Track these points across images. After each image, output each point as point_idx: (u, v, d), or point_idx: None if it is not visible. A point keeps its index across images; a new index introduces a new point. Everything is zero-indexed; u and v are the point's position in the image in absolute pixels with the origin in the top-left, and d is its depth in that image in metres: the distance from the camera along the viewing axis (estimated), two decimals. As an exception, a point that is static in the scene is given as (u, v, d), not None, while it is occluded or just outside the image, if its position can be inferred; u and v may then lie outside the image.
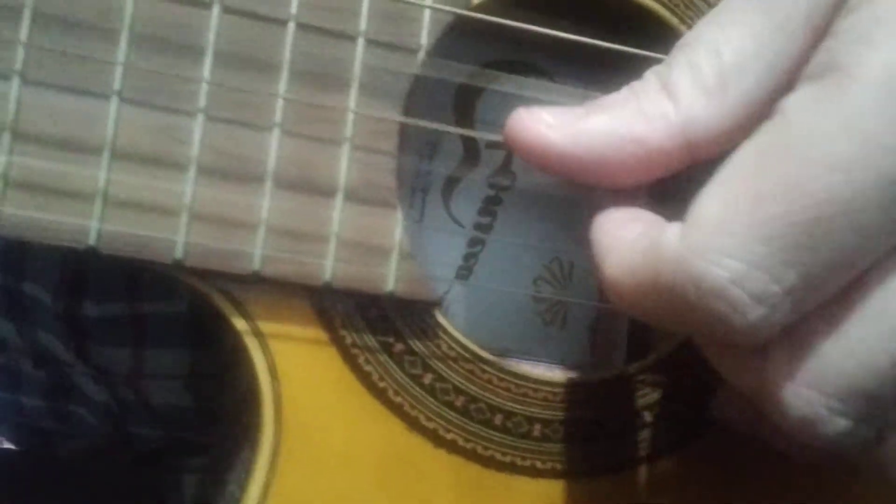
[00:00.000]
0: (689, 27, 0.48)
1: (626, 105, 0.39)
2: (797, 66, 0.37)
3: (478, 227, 0.56)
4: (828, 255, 0.33)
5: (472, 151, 0.56)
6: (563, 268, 0.57)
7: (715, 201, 0.34)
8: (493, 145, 0.56)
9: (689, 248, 0.34)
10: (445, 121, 0.54)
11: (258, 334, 0.42)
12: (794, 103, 0.34)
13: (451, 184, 0.56)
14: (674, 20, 0.48)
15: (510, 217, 0.56)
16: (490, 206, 0.57)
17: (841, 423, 0.34)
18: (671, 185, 0.42)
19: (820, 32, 0.36)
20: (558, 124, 0.39)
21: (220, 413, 0.52)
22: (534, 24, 0.45)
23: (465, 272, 0.56)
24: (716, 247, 0.33)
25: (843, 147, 0.32)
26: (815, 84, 0.34)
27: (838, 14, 0.35)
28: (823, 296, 0.34)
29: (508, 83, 0.51)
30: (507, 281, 0.56)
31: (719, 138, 0.38)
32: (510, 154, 0.57)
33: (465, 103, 0.54)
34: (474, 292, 0.56)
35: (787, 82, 0.37)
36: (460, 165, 0.55)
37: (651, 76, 0.39)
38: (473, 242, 0.56)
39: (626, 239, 0.38)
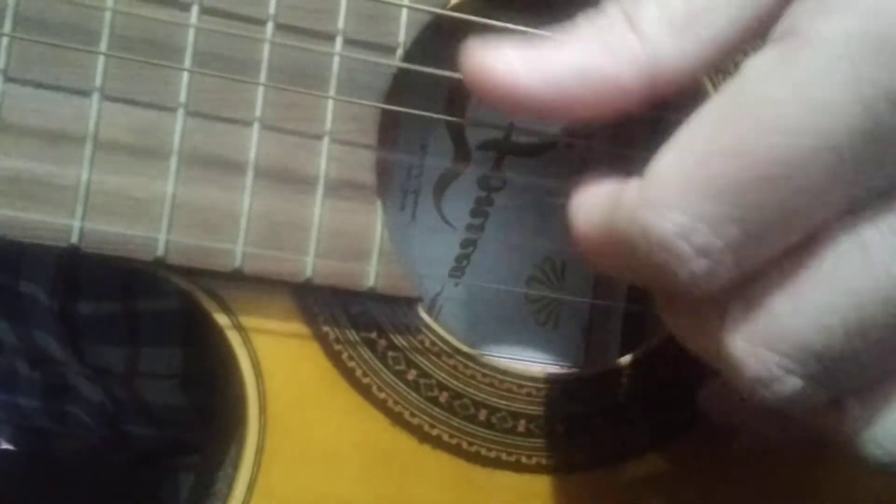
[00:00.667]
0: None
1: (590, 39, 0.38)
2: (768, 18, 0.37)
3: (469, 227, 0.56)
4: (771, 214, 0.33)
5: (462, 152, 0.57)
6: (555, 268, 0.58)
7: (669, 156, 0.34)
8: (484, 146, 0.56)
9: (641, 200, 0.34)
10: (435, 121, 0.54)
11: (241, 331, 0.42)
12: (753, 64, 0.34)
13: (442, 185, 0.56)
14: None
15: (502, 217, 0.56)
16: (482, 206, 0.57)
17: (793, 382, 0.35)
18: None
19: None
20: (523, 61, 0.38)
21: (211, 411, 0.53)
22: (513, 23, 0.45)
23: (457, 273, 0.56)
24: (665, 200, 0.33)
25: (791, 111, 0.32)
26: (775, 47, 0.34)
27: None
28: (767, 254, 0.34)
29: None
30: (500, 281, 0.57)
31: (683, 78, 0.38)
32: (501, 155, 0.57)
33: (455, 102, 0.55)
34: (467, 293, 0.56)
35: (756, 32, 0.37)
36: (451, 166, 0.56)
37: (615, 10, 0.38)
38: (465, 243, 0.56)
39: (594, 195, 0.38)
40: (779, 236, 0.34)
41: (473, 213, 0.57)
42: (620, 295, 0.58)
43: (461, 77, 0.39)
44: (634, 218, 0.34)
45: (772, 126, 0.32)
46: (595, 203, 0.38)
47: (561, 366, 0.56)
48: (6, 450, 0.81)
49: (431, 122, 0.54)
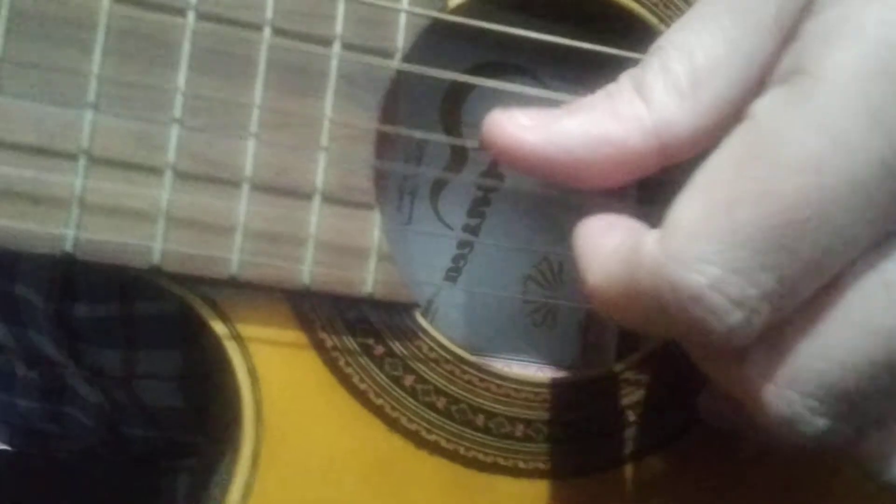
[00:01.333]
0: (669, 26, 0.48)
1: (600, 107, 0.39)
2: (769, 67, 0.37)
3: (466, 228, 0.56)
4: (804, 257, 0.33)
5: (459, 153, 0.56)
6: (552, 268, 0.57)
7: (690, 206, 0.34)
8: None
9: (666, 255, 0.34)
10: (432, 125, 0.54)
11: (237, 338, 0.42)
12: (763, 107, 0.34)
13: (438, 186, 0.56)
14: (653, 20, 0.48)
15: (499, 219, 0.56)
16: (478, 207, 0.57)
17: (821, 423, 0.35)
18: (657, 188, 0.42)
19: (790, 34, 0.36)
20: (533, 126, 0.39)
21: (206, 417, 0.53)
22: (513, 26, 0.45)
23: (454, 274, 0.56)
24: (692, 252, 0.33)
25: (813, 148, 0.32)
26: (783, 87, 0.34)
27: (805, 16, 0.35)
28: (801, 298, 0.34)
29: (494, 86, 0.51)
30: (497, 282, 0.56)
31: (692, 140, 0.38)
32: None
33: (451, 106, 0.55)
34: (464, 294, 0.56)
35: (759, 83, 0.37)
36: (448, 167, 0.56)
37: (625, 78, 0.40)
38: (462, 244, 0.56)
39: (606, 247, 0.38)
40: (813, 279, 0.34)
41: (470, 215, 0.57)
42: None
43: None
44: (661, 274, 0.34)
45: (795, 166, 0.32)
46: (608, 257, 0.38)
47: (557, 367, 0.56)
48: (4, 451, 0.81)
49: (428, 124, 0.53)
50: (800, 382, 0.34)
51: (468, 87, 0.54)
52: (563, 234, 0.55)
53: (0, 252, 0.62)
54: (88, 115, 0.39)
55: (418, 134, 0.44)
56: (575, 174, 0.39)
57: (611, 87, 0.40)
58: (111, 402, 0.69)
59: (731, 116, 0.38)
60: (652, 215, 0.39)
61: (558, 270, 0.58)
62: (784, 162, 0.33)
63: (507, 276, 0.57)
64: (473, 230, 0.56)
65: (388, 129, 0.43)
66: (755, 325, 0.34)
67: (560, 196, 0.56)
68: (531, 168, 0.40)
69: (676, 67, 0.38)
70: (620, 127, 0.38)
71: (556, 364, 0.56)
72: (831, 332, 0.34)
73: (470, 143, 0.47)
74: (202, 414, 0.66)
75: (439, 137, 0.51)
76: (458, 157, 0.56)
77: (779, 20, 0.37)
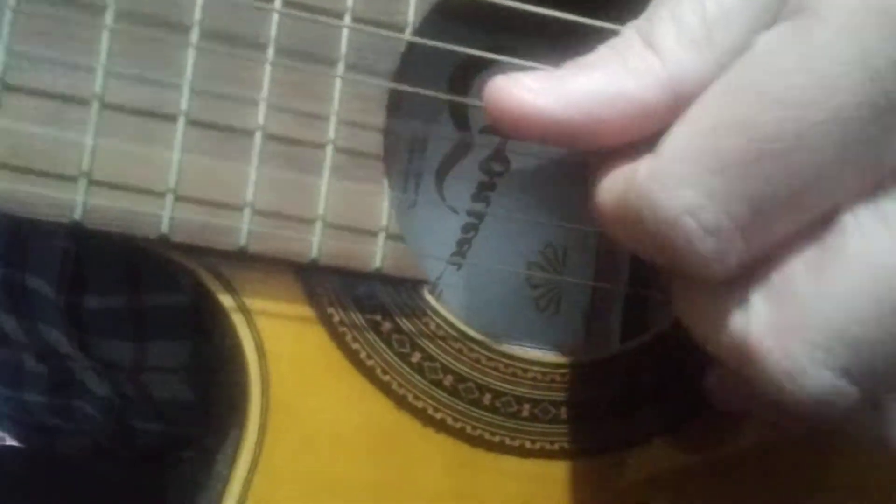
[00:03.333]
0: None
1: (609, 62, 0.38)
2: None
3: (471, 212, 0.56)
4: (780, 190, 0.33)
5: (465, 137, 0.56)
6: (556, 253, 0.57)
7: (679, 132, 0.34)
8: (486, 130, 0.56)
9: (651, 176, 0.34)
10: (439, 104, 0.54)
11: (245, 311, 0.42)
12: (763, 40, 0.34)
13: (444, 169, 0.56)
14: None
15: (504, 202, 0.56)
16: (484, 191, 0.57)
17: (825, 376, 0.33)
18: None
19: None
20: (543, 88, 0.38)
21: (211, 395, 0.52)
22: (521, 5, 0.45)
23: (458, 258, 0.56)
24: (672, 175, 0.33)
25: (798, 82, 0.32)
26: (786, 22, 0.34)
27: None
28: (779, 233, 0.34)
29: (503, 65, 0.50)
30: (501, 266, 0.56)
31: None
32: (504, 139, 0.57)
33: (457, 89, 0.54)
34: (468, 278, 0.55)
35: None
36: (454, 151, 0.55)
37: (632, 32, 0.38)
38: (467, 228, 0.56)
39: (613, 167, 0.38)
40: (790, 214, 0.33)
41: (475, 198, 0.56)
42: (622, 281, 0.58)
43: (482, 104, 0.39)
44: (643, 193, 0.34)
45: (778, 98, 0.32)
46: (614, 176, 0.37)
47: (562, 351, 0.55)
48: (13, 446, 0.81)
49: (434, 106, 0.53)
50: (800, 328, 0.33)
51: (475, 70, 0.54)
52: (567, 220, 0.55)
53: (10, 242, 0.62)
54: (99, 80, 0.39)
55: (429, 92, 0.43)
56: (593, 134, 0.38)
57: (616, 42, 0.38)
58: (120, 395, 0.68)
59: None
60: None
61: (563, 255, 0.58)
62: (769, 93, 0.32)
63: (511, 260, 0.57)
64: (478, 214, 0.56)
65: (402, 86, 0.42)
66: (728, 255, 0.34)
67: (566, 180, 0.56)
68: (546, 134, 0.38)
69: (689, 17, 0.37)
70: (636, 82, 0.37)
71: (560, 348, 0.56)
72: (831, 273, 0.33)
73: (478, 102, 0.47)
74: (208, 396, 0.66)
75: (450, 97, 0.50)
76: (465, 141, 0.56)
77: None
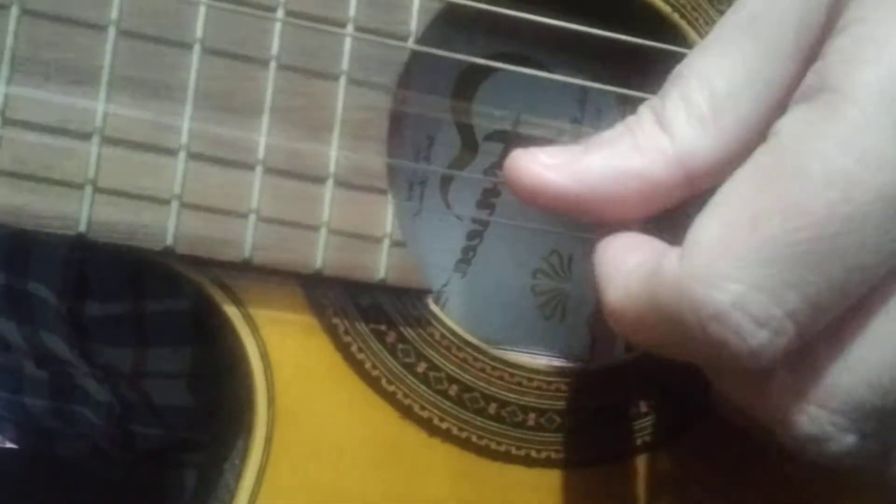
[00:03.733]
0: (687, 21, 0.48)
1: (621, 141, 0.39)
2: (790, 89, 0.37)
3: (476, 219, 0.56)
4: (831, 275, 0.32)
5: (469, 144, 0.56)
6: (561, 260, 0.57)
7: (712, 224, 0.34)
8: (490, 137, 0.56)
9: (687, 273, 0.33)
10: (442, 115, 0.54)
11: (250, 322, 0.42)
12: (787, 125, 0.34)
13: (449, 177, 0.56)
14: (675, 16, 0.48)
15: (509, 210, 0.56)
16: (488, 198, 0.57)
17: (848, 440, 0.34)
18: (674, 211, 0.42)
19: (810, 55, 0.36)
20: (556, 164, 0.39)
21: (217, 405, 0.52)
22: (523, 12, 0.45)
23: (463, 265, 0.56)
24: (715, 270, 0.33)
25: (841, 164, 0.32)
26: (808, 104, 0.34)
27: (828, 35, 0.35)
28: (827, 317, 0.33)
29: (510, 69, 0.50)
30: (506, 274, 0.56)
31: (717, 168, 0.38)
32: (508, 146, 0.57)
33: (461, 96, 0.54)
34: (473, 285, 0.55)
35: (781, 106, 0.37)
36: (458, 158, 0.55)
37: (645, 110, 0.39)
38: (472, 235, 0.56)
39: (627, 265, 0.38)
40: (840, 297, 0.33)
41: (480, 205, 0.56)
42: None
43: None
44: (681, 293, 0.33)
45: (822, 180, 0.32)
46: (628, 275, 0.37)
47: (567, 358, 0.55)
48: (11, 449, 0.81)
49: (438, 114, 0.53)
50: (826, 399, 0.34)
51: (479, 77, 0.54)
52: (572, 227, 0.55)
53: (14, 243, 0.62)
54: (102, 94, 0.39)
55: (433, 105, 0.43)
56: (602, 210, 0.39)
57: (631, 121, 0.40)
58: (121, 400, 0.68)
59: (754, 141, 0.37)
60: (667, 239, 0.39)
61: (568, 262, 0.58)
62: (811, 177, 0.32)
63: (516, 267, 0.57)
64: (483, 221, 0.56)
65: (404, 92, 0.42)
66: (780, 345, 0.33)
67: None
68: (557, 207, 0.40)
69: (696, 96, 0.38)
70: (644, 160, 0.38)
71: (565, 356, 0.56)
72: (858, 351, 0.34)
73: (492, 125, 0.47)
74: (213, 405, 0.66)
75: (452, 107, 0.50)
76: (469, 148, 0.56)
77: (799, 42, 0.37)
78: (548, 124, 0.56)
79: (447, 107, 0.53)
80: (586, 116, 0.55)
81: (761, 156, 0.34)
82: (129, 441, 0.72)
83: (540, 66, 0.55)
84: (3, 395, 0.74)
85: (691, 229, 0.34)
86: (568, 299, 0.57)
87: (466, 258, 0.56)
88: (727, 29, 0.38)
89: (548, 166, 0.39)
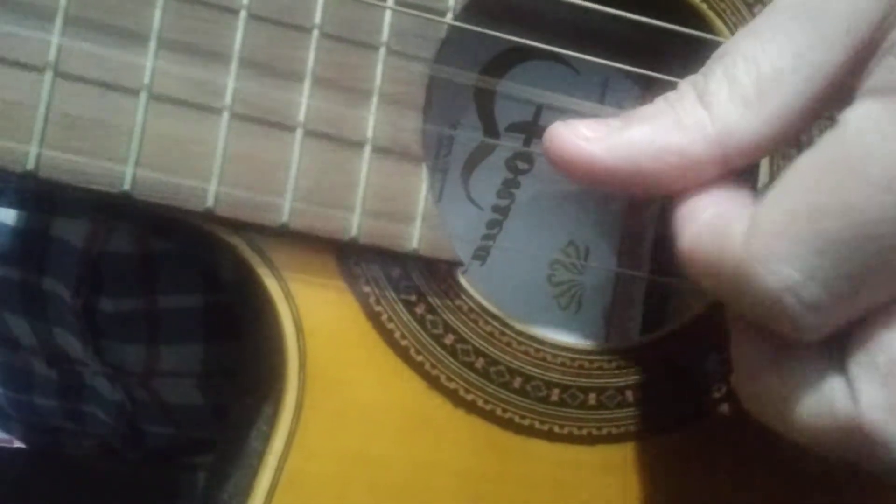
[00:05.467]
0: (715, 11, 0.49)
1: (663, 116, 0.39)
2: (837, 79, 0.38)
3: (496, 209, 0.57)
4: (879, 271, 0.34)
5: (491, 133, 0.57)
6: (578, 251, 0.58)
7: (774, 208, 0.35)
8: (512, 128, 0.57)
9: (749, 252, 0.35)
10: (467, 102, 0.55)
11: (284, 287, 0.42)
12: (855, 118, 0.35)
13: (470, 165, 0.56)
14: (702, 6, 0.49)
15: (528, 200, 0.56)
16: (508, 188, 0.57)
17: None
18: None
19: (862, 46, 0.37)
20: (597, 137, 0.40)
21: (241, 374, 0.53)
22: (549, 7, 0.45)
23: (482, 253, 0.57)
24: (773, 254, 0.34)
25: None
26: (879, 101, 0.35)
27: (887, 32, 0.36)
28: (872, 305, 0.35)
29: (529, 66, 0.51)
30: (524, 264, 0.57)
31: (755, 149, 0.39)
32: (529, 136, 0.57)
33: (486, 85, 0.55)
34: (491, 274, 0.56)
35: (825, 95, 0.38)
36: (480, 147, 0.56)
37: (687, 86, 0.40)
38: (491, 224, 0.57)
39: (703, 215, 0.39)
40: (884, 289, 0.35)
41: (500, 195, 0.57)
42: (642, 280, 0.58)
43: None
44: (742, 268, 0.35)
45: (881, 184, 0.33)
46: (701, 227, 0.38)
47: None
48: (20, 448, 0.81)
49: (461, 103, 0.54)
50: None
51: (501, 70, 0.54)
52: (590, 217, 0.56)
53: (29, 243, 0.62)
54: (151, 52, 0.40)
55: (463, 79, 0.44)
56: (638, 184, 0.40)
57: (671, 96, 0.40)
58: (132, 399, 0.69)
59: (795, 127, 0.38)
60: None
61: (584, 254, 0.58)
62: (870, 179, 0.33)
63: (534, 257, 0.57)
64: (503, 211, 0.56)
65: (442, 68, 0.43)
66: (824, 328, 0.35)
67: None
68: (595, 179, 0.40)
69: (742, 76, 0.38)
70: (684, 136, 0.39)
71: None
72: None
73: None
74: (238, 376, 0.66)
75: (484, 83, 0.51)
76: (490, 138, 0.57)
77: (850, 33, 0.37)
78: (569, 113, 0.56)
79: (471, 96, 0.54)
80: (606, 108, 0.55)
81: (828, 146, 0.35)
82: (139, 440, 0.72)
83: (560, 60, 0.56)
84: (12, 395, 0.74)
85: (760, 205, 0.36)
86: (584, 291, 0.57)
87: (486, 247, 0.57)
88: (777, 13, 0.38)
89: (588, 139, 0.40)
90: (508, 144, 0.55)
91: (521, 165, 0.57)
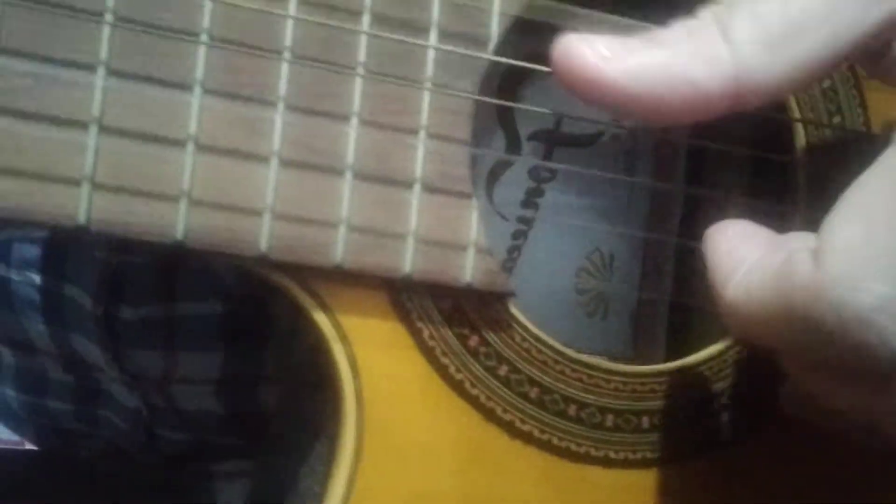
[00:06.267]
0: None
1: (681, 44, 0.37)
2: (864, 42, 0.37)
3: (521, 219, 0.56)
4: None
5: (514, 143, 0.56)
6: (603, 259, 0.58)
7: (848, 227, 0.34)
8: (534, 137, 0.56)
9: (828, 275, 0.33)
10: (489, 108, 0.54)
11: (339, 329, 0.42)
12: None
13: (494, 176, 0.56)
14: None
15: (552, 209, 0.56)
16: (532, 197, 0.57)
17: None
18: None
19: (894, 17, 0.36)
20: (614, 57, 0.37)
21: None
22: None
23: (509, 264, 0.56)
24: (857, 272, 0.32)
25: None
26: None
27: None
28: None
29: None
30: (550, 272, 0.57)
31: (769, 93, 0.38)
32: (551, 146, 0.57)
33: (506, 94, 0.54)
34: (518, 284, 0.55)
35: (848, 53, 0.37)
36: (503, 158, 0.56)
37: (708, 17, 0.38)
38: (517, 234, 0.56)
39: (747, 259, 0.37)
40: None
41: (524, 205, 0.57)
42: (668, 285, 0.58)
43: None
44: (822, 296, 0.32)
45: None
46: (751, 271, 0.36)
47: (609, 357, 0.56)
48: (31, 450, 0.80)
49: (483, 114, 0.53)
50: None
51: (522, 77, 0.54)
52: (614, 224, 0.56)
53: (50, 250, 0.61)
54: (195, 100, 0.39)
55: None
56: (649, 110, 0.38)
57: (692, 24, 0.38)
58: (148, 405, 0.68)
59: (812, 78, 0.37)
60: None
61: (609, 261, 0.58)
62: None
63: (560, 266, 0.57)
64: (528, 221, 0.56)
65: (497, 102, 0.42)
66: None
67: (612, 185, 0.57)
68: (604, 100, 0.38)
69: (768, 16, 0.36)
70: (701, 69, 0.37)
71: (607, 354, 0.56)
72: None
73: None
74: (246, 416, 0.65)
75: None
76: (513, 148, 0.56)
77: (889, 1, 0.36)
78: (589, 121, 0.56)
79: (493, 105, 0.53)
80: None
81: (892, 156, 0.34)
82: (153, 445, 0.72)
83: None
84: (24, 398, 0.73)
85: (825, 229, 0.34)
86: (610, 298, 0.57)
87: (512, 258, 0.56)
88: None
89: (604, 58, 0.37)
90: (532, 161, 0.55)
91: (545, 174, 0.57)
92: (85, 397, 0.70)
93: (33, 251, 0.65)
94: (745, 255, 0.37)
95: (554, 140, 0.58)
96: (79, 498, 0.72)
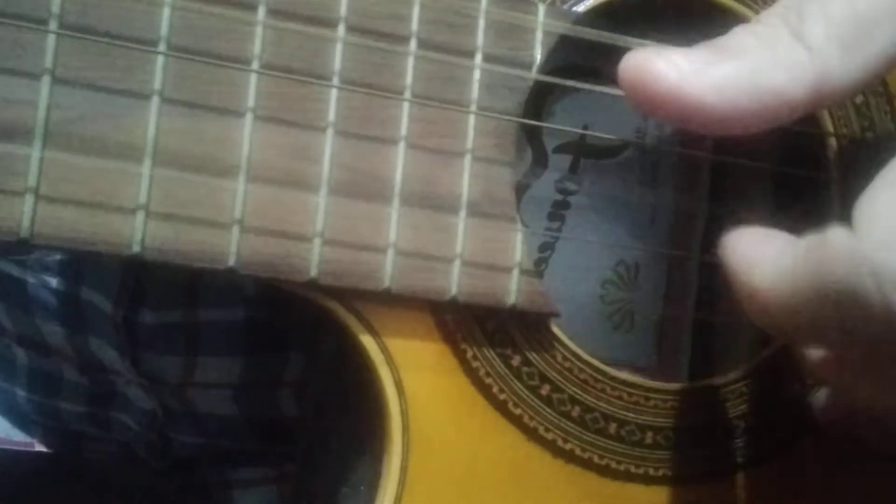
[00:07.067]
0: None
1: (759, 53, 0.37)
2: None
3: (547, 231, 0.56)
4: None
5: (540, 157, 0.57)
6: (628, 270, 0.58)
7: (886, 198, 0.34)
8: (559, 150, 0.56)
9: (867, 242, 0.32)
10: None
11: (385, 351, 0.42)
12: None
13: (520, 189, 0.56)
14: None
15: (578, 221, 0.56)
16: (558, 210, 0.57)
17: None
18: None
19: None
20: (695, 71, 0.37)
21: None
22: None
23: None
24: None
25: None
26: None
27: None
28: None
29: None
30: (577, 284, 0.57)
31: (847, 93, 0.38)
32: (577, 158, 0.57)
33: (534, 110, 0.54)
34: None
35: None
36: (529, 171, 0.56)
37: (776, 21, 0.37)
38: (543, 247, 0.56)
39: (769, 252, 0.37)
40: None
41: (551, 217, 0.57)
42: (693, 296, 0.59)
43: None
44: (861, 262, 0.32)
45: None
46: (776, 259, 0.36)
47: (633, 369, 0.56)
48: (41, 452, 0.80)
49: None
50: None
51: (546, 90, 0.54)
52: (639, 236, 0.56)
53: (71, 255, 0.61)
54: (247, 127, 0.39)
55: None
56: (733, 122, 0.37)
57: (760, 31, 0.37)
58: (164, 408, 0.68)
59: (881, 74, 0.37)
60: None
61: (634, 272, 0.58)
62: None
63: (586, 277, 0.57)
64: (554, 232, 0.56)
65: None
66: None
67: (637, 199, 0.57)
68: (684, 116, 0.37)
69: (839, 16, 0.36)
70: (785, 76, 0.36)
71: (632, 366, 0.56)
72: None
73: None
74: (263, 422, 0.65)
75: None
76: (539, 161, 0.56)
77: None
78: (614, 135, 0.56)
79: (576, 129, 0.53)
80: (650, 126, 0.55)
81: None
82: (166, 448, 0.72)
83: (598, 74, 0.55)
84: (37, 399, 0.73)
85: (861, 203, 0.34)
86: (635, 310, 0.58)
87: (539, 270, 0.56)
88: None
89: (682, 71, 0.36)
90: (559, 178, 0.55)
91: (571, 187, 0.57)
92: (99, 399, 0.70)
93: (51, 255, 0.65)
94: (766, 251, 0.37)
95: (580, 152, 0.58)
96: (88, 500, 0.72)
